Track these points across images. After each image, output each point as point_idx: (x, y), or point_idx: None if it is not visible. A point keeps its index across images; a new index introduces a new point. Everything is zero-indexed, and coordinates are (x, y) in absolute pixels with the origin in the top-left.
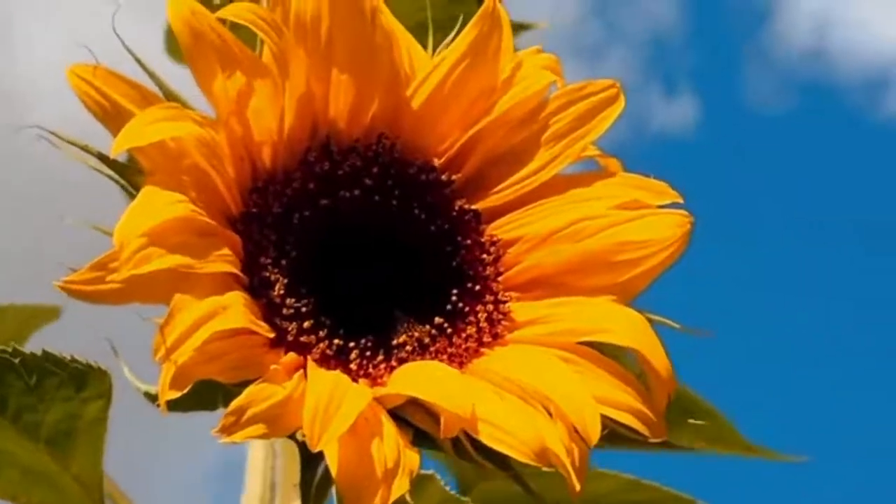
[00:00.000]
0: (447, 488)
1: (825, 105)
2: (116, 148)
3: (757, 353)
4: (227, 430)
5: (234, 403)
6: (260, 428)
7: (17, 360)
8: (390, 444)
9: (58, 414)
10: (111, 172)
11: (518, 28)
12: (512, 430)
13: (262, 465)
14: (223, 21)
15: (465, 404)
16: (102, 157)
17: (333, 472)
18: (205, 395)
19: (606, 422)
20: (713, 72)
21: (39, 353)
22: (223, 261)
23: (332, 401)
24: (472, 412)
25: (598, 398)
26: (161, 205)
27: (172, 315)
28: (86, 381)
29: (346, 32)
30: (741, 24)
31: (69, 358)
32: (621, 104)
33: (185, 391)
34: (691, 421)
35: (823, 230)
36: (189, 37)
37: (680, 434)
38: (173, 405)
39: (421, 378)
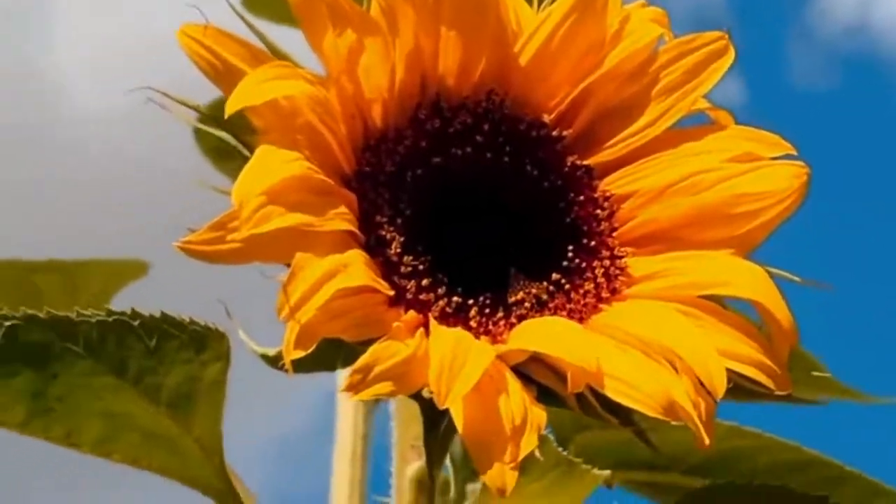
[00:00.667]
0: (560, 449)
1: (870, 80)
2: (230, 107)
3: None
4: (355, 387)
5: (360, 361)
6: (387, 385)
7: (136, 323)
8: (516, 401)
9: (178, 376)
10: (222, 133)
11: None
12: (638, 385)
13: (353, 421)
14: None
15: (590, 358)
16: (213, 118)
17: (460, 429)
18: (325, 355)
19: (731, 375)
20: (757, 51)
21: (158, 314)
22: (342, 219)
23: (456, 358)
24: (598, 367)
25: (721, 351)
26: (278, 163)
27: (295, 273)
28: (205, 343)
29: None
30: (784, 1)
31: (188, 320)
32: (731, 56)
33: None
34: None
35: (868, 206)
36: None
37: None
38: (296, 366)
39: (543, 333)
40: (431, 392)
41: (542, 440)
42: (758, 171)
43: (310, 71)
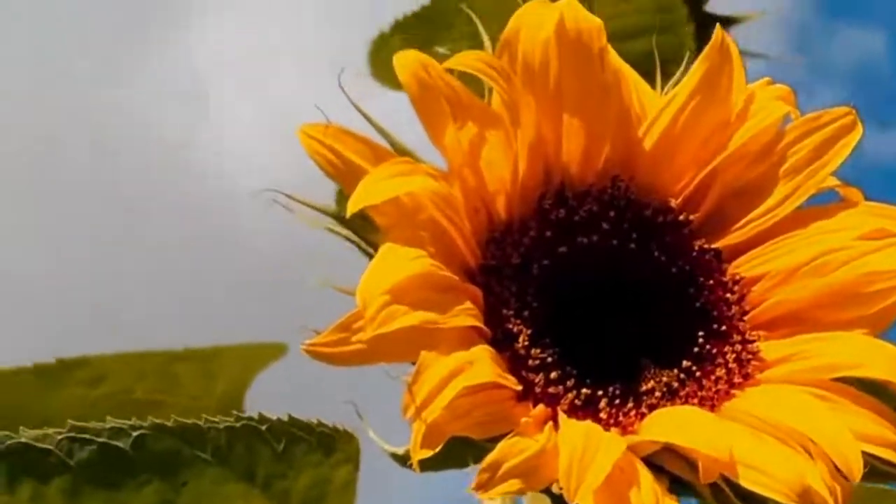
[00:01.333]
0: None
1: None
2: (353, 206)
3: None
4: (484, 485)
5: (488, 459)
6: (515, 483)
7: (264, 427)
8: (648, 493)
9: (307, 480)
10: (347, 232)
11: (727, 22)
12: (772, 472)
13: None
14: (451, 71)
15: (722, 447)
16: (337, 217)
17: None
18: (455, 452)
19: (866, 458)
20: None
21: (286, 418)
22: (466, 314)
23: (586, 451)
24: (730, 455)
25: (855, 434)
26: (401, 261)
27: (420, 372)
28: (334, 445)
29: (575, 75)
30: None
31: (316, 422)
32: (859, 131)
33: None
34: None
35: None
36: (418, 88)
37: None
38: (424, 464)
39: (674, 423)
40: (561, 488)
41: None
42: (889, 248)
43: (431, 166)
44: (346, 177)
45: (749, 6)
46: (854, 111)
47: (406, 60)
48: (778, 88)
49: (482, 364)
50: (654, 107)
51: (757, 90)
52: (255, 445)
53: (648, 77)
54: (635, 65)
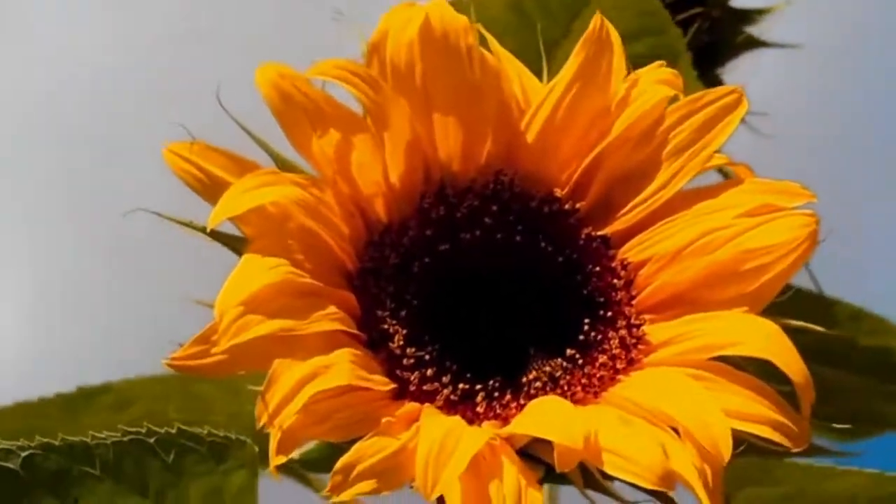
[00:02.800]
0: None
1: None
2: (214, 219)
3: None
4: (337, 488)
5: (342, 461)
6: (370, 484)
7: (152, 440)
8: (511, 484)
9: (202, 489)
10: (222, 245)
11: (753, 14)
12: (633, 457)
13: None
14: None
15: (576, 436)
16: (208, 231)
17: None
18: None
19: (743, 436)
20: None
21: (175, 430)
22: (328, 319)
23: (444, 446)
24: (594, 442)
25: (731, 413)
26: (258, 271)
27: (273, 380)
28: (226, 453)
29: (442, 75)
30: None
31: (206, 432)
32: (743, 109)
33: (324, 451)
34: None
35: None
36: (277, 100)
37: None
38: (313, 466)
39: (536, 414)
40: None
41: None
42: (766, 224)
43: (303, 175)
44: (212, 192)
45: None
46: (740, 89)
47: (266, 72)
48: (662, 72)
49: (339, 367)
50: (537, 98)
51: (642, 75)
52: (144, 459)
53: None
54: (639, 65)
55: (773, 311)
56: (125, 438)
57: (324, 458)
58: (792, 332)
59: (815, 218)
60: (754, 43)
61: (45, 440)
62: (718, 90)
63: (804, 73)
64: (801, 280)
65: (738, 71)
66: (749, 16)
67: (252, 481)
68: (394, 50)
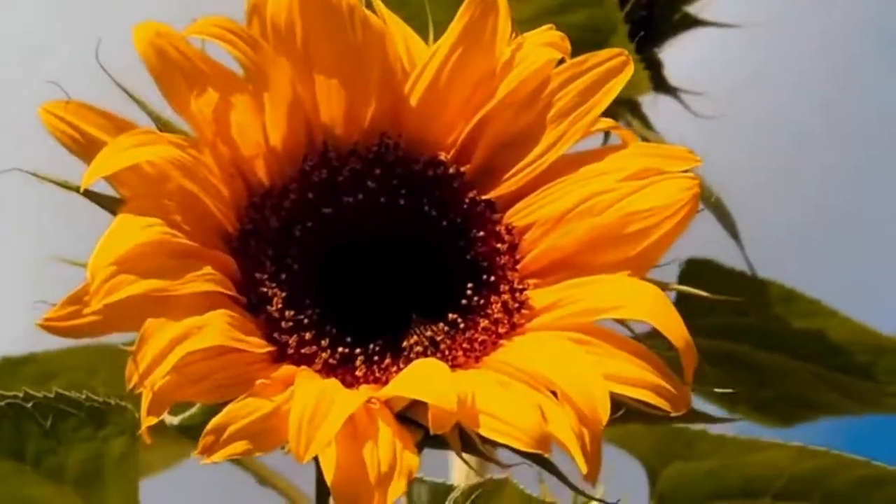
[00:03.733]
0: (527, 491)
1: None
2: (88, 178)
3: None
4: (208, 449)
5: (213, 422)
6: (242, 444)
7: (29, 405)
8: (386, 447)
9: (80, 454)
10: (99, 206)
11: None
12: (510, 420)
13: None
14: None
15: (450, 397)
16: (84, 191)
17: (328, 479)
18: None
19: (623, 399)
20: None
21: (53, 395)
22: (203, 280)
23: (318, 408)
24: (471, 405)
25: (610, 376)
26: (130, 231)
27: (144, 340)
28: (105, 418)
29: (322, 35)
30: None
31: (84, 397)
32: (628, 73)
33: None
34: None
35: None
36: (154, 58)
37: None
38: (195, 432)
39: (411, 377)
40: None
41: (503, 483)
42: (649, 187)
43: (182, 135)
44: (87, 151)
45: None
46: (625, 52)
47: (143, 30)
48: (548, 34)
49: (211, 328)
50: (421, 61)
51: (528, 38)
52: (22, 423)
53: (586, 49)
54: (576, 36)
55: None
56: (2, 403)
57: (204, 424)
58: (730, 315)
59: (698, 181)
60: (692, 21)
61: None
62: (603, 53)
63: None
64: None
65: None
66: None
67: (133, 447)
68: (274, 9)
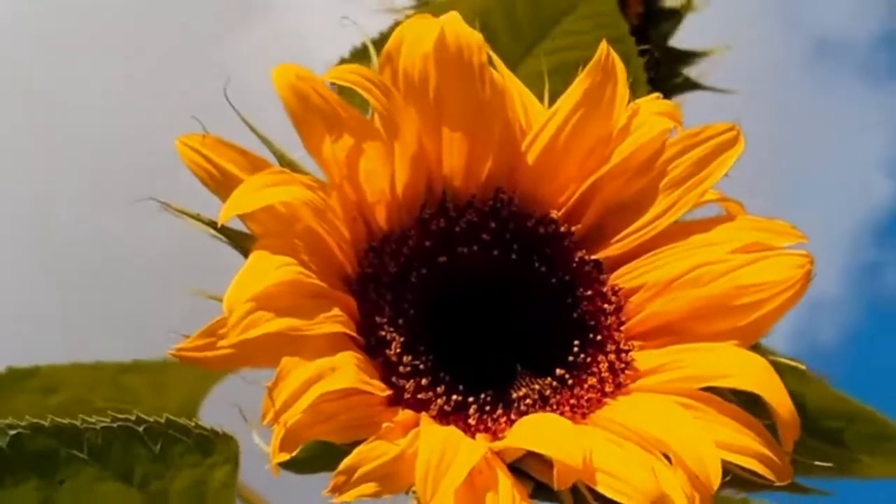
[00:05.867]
0: None
1: None
2: (225, 215)
3: None
4: (339, 489)
5: (345, 462)
6: (372, 486)
7: (141, 428)
8: (506, 498)
9: (185, 481)
10: (227, 240)
11: (693, 56)
12: (628, 479)
13: None
14: (333, 85)
15: (577, 455)
16: (215, 226)
17: None
18: (333, 455)
19: (730, 467)
20: None
21: (164, 420)
22: (333, 321)
23: (444, 456)
24: (588, 462)
25: (719, 443)
26: (268, 269)
27: (281, 377)
28: (211, 447)
29: (454, 89)
30: None
31: (193, 424)
32: (741, 147)
33: (311, 451)
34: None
35: None
36: (294, 101)
37: (872, 460)
38: (302, 466)
39: (535, 430)
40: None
41: None
42: (762, 261)
43: (311, 177)
44: (222, 186)
45: None
46: (737, 127)
47: (284, 73)
48: (663, 104)
49: (344, 370)
50: (540, 121)
51: (642, 105)
52: (132, 446)
53: None
54: None
55: None
56: (114, 424)
57: (309, 459)
58: None
59: (810, 258)
60: (691, 85)
61: (35, 420)
62: (717, 126)
63: None
64: None
65: None
66: (688, 57)
67: (234, 477)
68: (408, 61)
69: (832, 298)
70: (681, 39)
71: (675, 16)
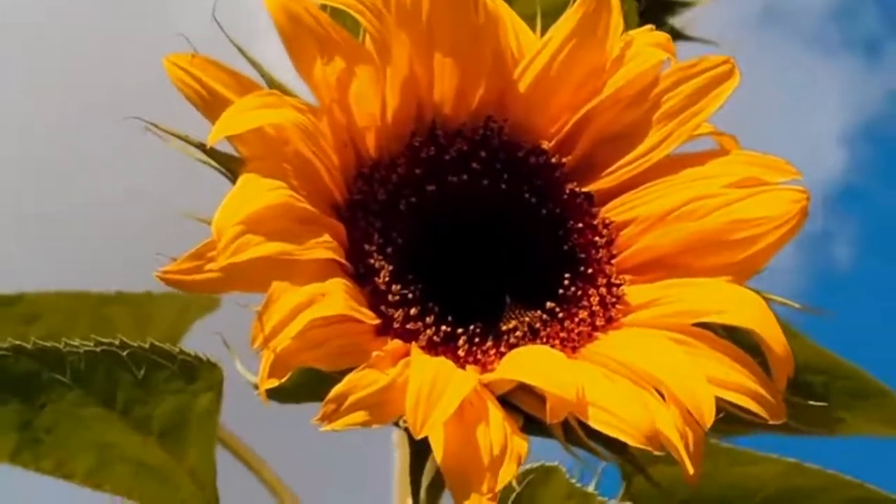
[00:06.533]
0: (573, 481)
1: None
2: (214, 136)
3: None
4: (328, 417)
5: (335, 390)
6: (361, 415)
7: (124, 353)
8: (497, 430)
9: (168, 407)
10: (214, 163)
11: (678, 6)
12: (622, 414)
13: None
14: (324, 7)
15: (570, 388)
16: (204, 148)
17: (438, 458)
18: (318, 385)
19: (722, 404)
20: None
21: (147, 345)
22: (323, 247)
23: (434, 386)
24: (581, 396)
25: (712, 380)
26: (258, 191)
27: (270, 302)
28: (196, 373)
29: (446, 15)
30: None
31: (178, 350)
32: (736, 80)
33: (296, 380)
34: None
35: None
36: (286, 21)
37: (852, 416)
38: (286, 395)
39: (527, 362)
40: (406, 422)
41: (553, 471)
42: (757, 196)
43: (301, 100)
44: (211, 107)
45: None
46: (732, 60)
47: None
48: (658, 35)
49: (334, 296)
50: (532, 49)
51: (636, 37)
52: (114, 371)
53: None
54: None
55: None
56: (97, 349)
57: (295, 388)
58: None
59: (807, 194)
60: (676, 34)
61: (17, 342)
62: (712, 58)
63: None
64: None
65: None
66: (672, 7)
67: (217, 404)
68: None
69: (781, 269)
70: None
71: None
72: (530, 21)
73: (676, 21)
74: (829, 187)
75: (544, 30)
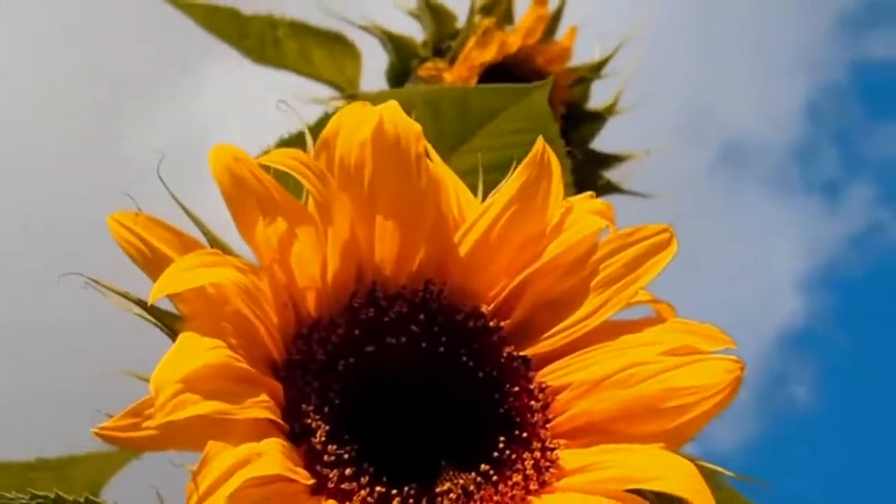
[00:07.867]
0: None
1: None
2: (154, 294)
3: None
4: None
5: None
6: None
7: None
8: None
9: None
10: (154, 320)
11: (614, 160)
12: None
13: None
14: (267, 168)
15: None
16: (143, 305)
17: None
18: None
19: None
20: None
21: (82, 500)
22: (260, 407)
23: None
24: None
25: None
26: (198, 350)
27: (206, 461)
28: None
29: (389, 179)
30: None
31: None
32: (673, 249)
33: None
34: None
35: None
36: (229, 183)
37: None
38: None
39: None
40: None
41: None
42: (691, 365)
43: (241, 259)
44: (153, 266)
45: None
46: (670, 229)
47: (220, 153)
48: (597, 203)
49: (270, 456)
50: (473, 214)
51: (576, 203)
52: None
53: None
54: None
55: None
56: (32, 502)
57: None
58: None
59: (741, 364)
60: (612, 188)
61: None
62: (651, 227)
63: None
64: None
65: None
66: (609, 160)
67: None
68: (345, 148)
69: (734, 407)
70: (600, 143)
71: (598, 119)
72: (472, 175)
73: (613, 174)
74: (787, 331)
75: (486, 184)
